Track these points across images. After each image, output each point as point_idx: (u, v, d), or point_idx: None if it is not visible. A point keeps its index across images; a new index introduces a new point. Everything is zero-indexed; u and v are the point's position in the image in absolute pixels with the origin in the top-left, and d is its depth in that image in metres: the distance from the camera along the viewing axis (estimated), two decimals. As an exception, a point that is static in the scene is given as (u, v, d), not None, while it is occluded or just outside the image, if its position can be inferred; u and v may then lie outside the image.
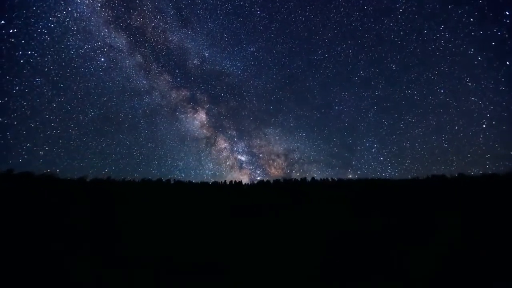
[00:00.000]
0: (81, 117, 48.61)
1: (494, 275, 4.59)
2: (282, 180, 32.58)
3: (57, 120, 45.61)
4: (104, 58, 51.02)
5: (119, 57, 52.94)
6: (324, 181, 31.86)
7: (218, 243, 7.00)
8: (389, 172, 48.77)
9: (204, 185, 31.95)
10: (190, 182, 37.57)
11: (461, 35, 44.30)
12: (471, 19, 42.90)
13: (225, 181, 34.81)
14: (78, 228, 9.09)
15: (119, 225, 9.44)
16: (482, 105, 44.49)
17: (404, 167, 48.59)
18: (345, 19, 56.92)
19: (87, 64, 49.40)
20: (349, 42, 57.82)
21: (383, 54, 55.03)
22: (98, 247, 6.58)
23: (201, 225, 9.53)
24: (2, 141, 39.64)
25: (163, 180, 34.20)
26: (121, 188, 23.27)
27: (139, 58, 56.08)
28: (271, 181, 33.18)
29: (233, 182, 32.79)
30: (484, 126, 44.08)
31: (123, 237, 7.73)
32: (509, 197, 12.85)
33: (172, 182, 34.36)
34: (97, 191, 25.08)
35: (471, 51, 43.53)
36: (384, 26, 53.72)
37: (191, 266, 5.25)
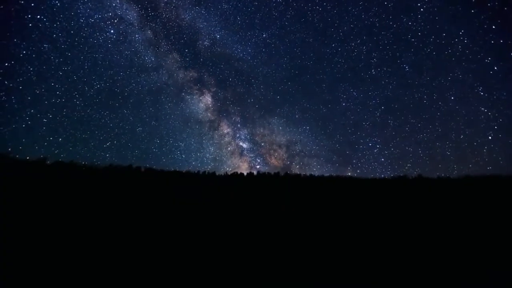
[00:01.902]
0: (86, 88, 46.79)
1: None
2: (255, 173, 33.11)
3: (63, 89, 44.05)
4: (113, 30, 48.13)
5: (129, 31, 50.23)
6: (285, 175, 32.90)
7: (185, 235, 6.98)
8: (388, 174, 48.75)
9: (175, 173, 31.39)
10: (162, 170, 36.73)
11: (480, 42, 41.63)
12: (493, 26, 40.17)
13: (199, 171, 34.58)
14: (32, 215, 8.52)
15: (79, 214, 8.99)
16: (491, 116, 42.80)
17: (404, 170, 48.93)
18: (363, 13, 53.68)
19: (96, 34, 46.84)
20: (364, 38, 54.96)
21: (398, 54, 52.47)
22: (54, 239, 6.24)
23: (168, 216, 9.40)
24: (6, 105, 38.14)
25: (133, 167, 33.00)
26: (84, 173, 21.99)
27: (149, 33, 53.03)
28: (245, 174, 33.61)
29: (206, 173, 32.67)
30: (490, 138, 42.59)
31: (83, 227, 7.39)
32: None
33: (142, 170, 33.37)
34: (57, 175, 23.48)
35: (488, 59, 41.28)
36: (402, 25, 50.45)
37: (154, 257, 5.19)
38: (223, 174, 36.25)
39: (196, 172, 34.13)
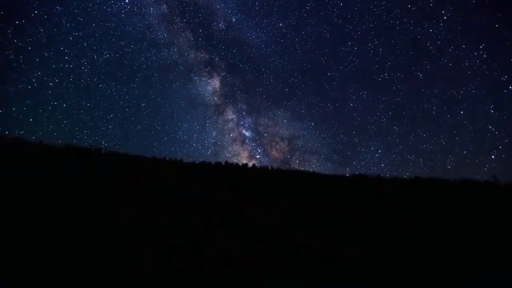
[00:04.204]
0: (95, 57, 45.49)
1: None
2: (224, 164, 32.85)
3: (71, 54, 42.77)
4: (128, 0, 45.30)
5: (144, 2, 48.26)
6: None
7: (138, 225, 6.74)
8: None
9: (140, 158, 29.80)
10: (126, 154, 34.55)
11: (499, 59, 41.37)
12: (514, 44, 39.41)
13: (165, 157, 33.37)
14: None
15: (28, 199, 8.17)
16: (498, 135, 42.13)
17: (403, 178, 50.60)
18: (384, 14, 51.98)
19: (110, 2, 44.82)
20: (382, 39, 53.79)
21: (413, 60, 51.54)
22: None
23: (130, 205, 8.99)
24: (14, 64, 36.44)
25: (92, 149, 30.41)
26: (30, 152, 19.76)
27: (164, 8, 50.79)
28: (213, 163, 33.20)
29: (172, 160, 31.62)
30: (493, 157, 42.15)
31: (33, 215, 6.75)
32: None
33: (103, 152, 30.85)
34: (2, 155, 20.83)
35: (504, 77, 41.50)
36: (422, 31, 48.95)
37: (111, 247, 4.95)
38: (193, 162, 35.46)
39: (162, 158, 32.89)
